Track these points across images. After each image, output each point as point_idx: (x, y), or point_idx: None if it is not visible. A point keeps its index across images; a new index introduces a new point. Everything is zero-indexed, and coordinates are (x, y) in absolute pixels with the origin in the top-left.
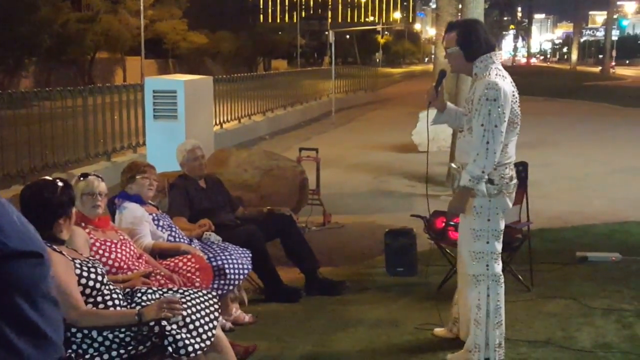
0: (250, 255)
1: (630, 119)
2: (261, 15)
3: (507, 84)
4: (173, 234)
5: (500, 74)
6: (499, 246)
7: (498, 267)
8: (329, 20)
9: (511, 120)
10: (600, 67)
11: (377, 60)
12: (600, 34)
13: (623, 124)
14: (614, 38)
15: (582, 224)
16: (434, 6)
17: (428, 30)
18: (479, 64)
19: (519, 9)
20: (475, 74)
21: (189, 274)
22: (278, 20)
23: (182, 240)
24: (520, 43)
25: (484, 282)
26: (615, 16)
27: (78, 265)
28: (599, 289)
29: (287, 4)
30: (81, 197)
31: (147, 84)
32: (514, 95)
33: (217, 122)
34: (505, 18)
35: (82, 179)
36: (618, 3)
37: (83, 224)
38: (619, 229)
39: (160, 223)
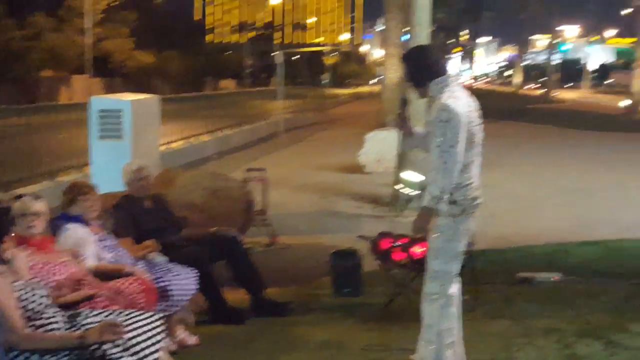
0: (197, 275)
1: (571, 140)
2: (210, 35)
3: (460, 106)
4: (118, 254)
5: (453, 96)
6: (456, 267)
7: (453, 288)
8: (280, 40)
9: (467, 139)
10: (543, 90)
11: (325, 81)
12: (541, 57)
13: (565, 146)
14: (557, 62)
15: (524, 244)
16: (380, 28)
17: (373, 53)
18: (434, 87)
19: (467, 31)
20: (431, 97)
21: (132, 296)
22: (226, 40)
23: (126, 261)
24: (466, 65)
25: (437, 301)
26: (555, 41)
27: (19, 288)
28: (540, 309)
29: (236, 23)
30: (16, 219)
31: (92, 103)
32: (468, 116)
33: (164, 142)
34: (452, 41)
35: (16, 199)
36: (557, 29)
37: (24, 246)
38: (559, 250)
39: (106, 243)
